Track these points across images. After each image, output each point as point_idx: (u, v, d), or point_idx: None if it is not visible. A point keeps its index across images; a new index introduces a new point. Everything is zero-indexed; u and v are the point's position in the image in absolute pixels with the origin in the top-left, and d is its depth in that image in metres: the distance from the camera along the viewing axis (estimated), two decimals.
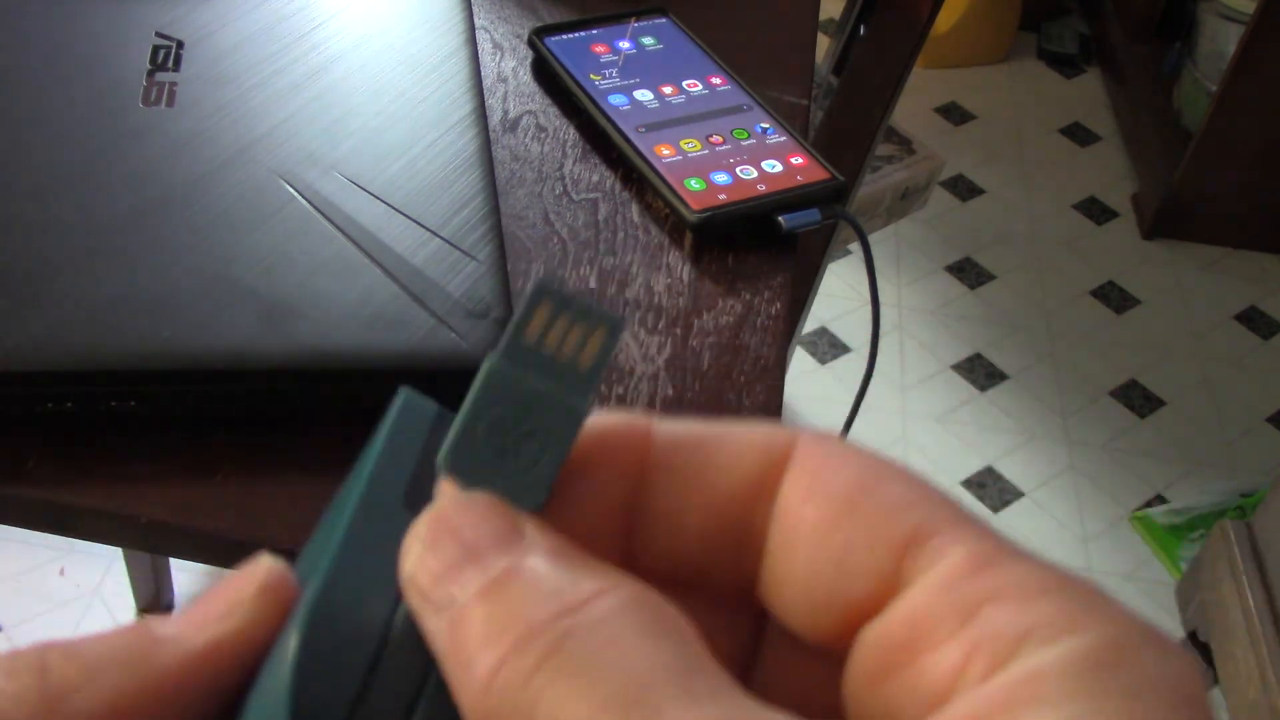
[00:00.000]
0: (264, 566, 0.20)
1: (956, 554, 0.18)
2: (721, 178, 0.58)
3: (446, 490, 0.19)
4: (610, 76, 0.64)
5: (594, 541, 0.19)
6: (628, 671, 0.16)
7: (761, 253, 0.57)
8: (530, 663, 0.16)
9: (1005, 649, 0.16)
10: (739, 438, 0.20)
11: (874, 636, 0.18)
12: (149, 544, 0.44)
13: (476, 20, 0.68)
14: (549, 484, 0.20)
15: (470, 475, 0.20)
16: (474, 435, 0.20)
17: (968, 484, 1.65)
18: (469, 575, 0.17)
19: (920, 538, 0.18)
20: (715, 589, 0.20)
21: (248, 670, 0.19)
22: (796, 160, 0.60)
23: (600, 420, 0.20)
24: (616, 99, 0.63)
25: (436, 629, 0.18)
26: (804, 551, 0.19)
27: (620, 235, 0.57)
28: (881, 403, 1.74)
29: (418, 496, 0.20)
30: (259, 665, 0.19)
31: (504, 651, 0.16)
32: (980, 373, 1.81)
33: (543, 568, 0.17)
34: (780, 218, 0.57)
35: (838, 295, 1.85)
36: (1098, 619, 0.16)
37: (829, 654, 0.19)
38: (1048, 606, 0.16)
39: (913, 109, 2.27)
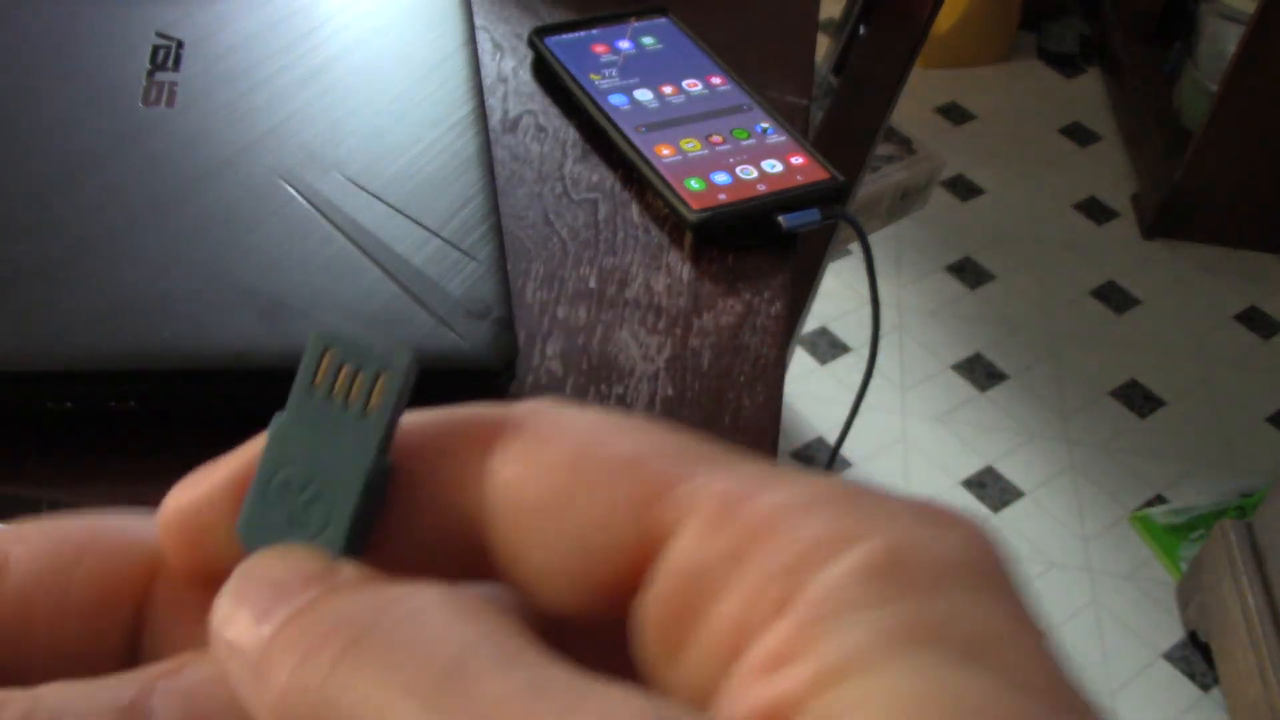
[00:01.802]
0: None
1: (708, 495, 0.16)
2: (721, 178, 0.58)
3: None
4: (610, 76, 0.64)
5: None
6: (438, 650, 0.14)
7: (761, 253, 0.57)
8: (328, 659, 0.15)
9: (788, 579, 0.15)
10: (454, 425, 0.19)
11: (646, 611, 0.16)
12: None
13: (476, 20, 0.68)
14: (342, 542, 0.18)
15: (267, 544, 0.19)
16: (265, 503, 0.19)
17: (968, 484, 1.65)
18: (278, 612, 0.16)
19: (660, 491, 0.16)
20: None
21: None
22: (796, 160, 0.60)
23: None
24: (616, 99, 0.63)
25: (241, 672, 0.16)
26: (538, 539, 0.17)
27: (620, 235, 0.57)
28: (881, 403, 1.74)
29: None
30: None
31: (300, 656, 0.15)
32: (980, 373, 1.81)
33: (352, 588, 0.16)
34: (780, 218, 0.57)
35: (838, 295, 1.85)
36: (871, 524, 0.15)
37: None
38: (818, 525, 0.15)
39: (913, 109, 2.27)
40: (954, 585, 0.15)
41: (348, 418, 0.19)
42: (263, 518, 0.19)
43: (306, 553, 0.17)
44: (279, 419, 0.19)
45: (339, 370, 0.19)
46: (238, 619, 0.16)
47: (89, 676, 0.18)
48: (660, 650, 0.16)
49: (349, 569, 0.17)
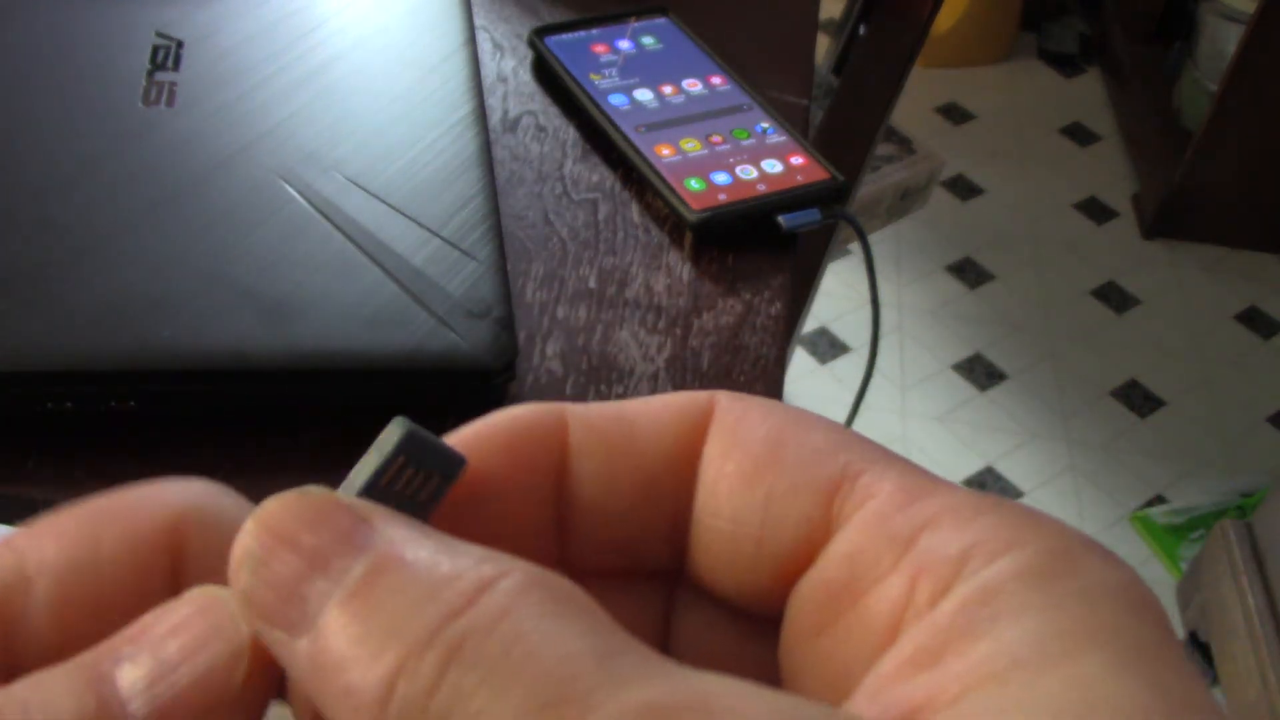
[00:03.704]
0: (244, 637, 0.17)
1: (886, 488, 0.17)
2: (721, 178, 0.58)
3: (269, 502, 0.17)
4: (610, 76, 0.64)
5: (523, 545, 0.18)
6: (546, 662, 0.14)
7: (761, 253, 0.57)
8: (431, 670, 0.14)
9: (949, 571, 0.15)
10: (656, 409, 0.19)
11: (810, 587, 0.17)
12: None
13: (476, 20, 0.68)
14: None
15: None
16: None
17: (968, 484, 1.65)
18: (320, 587, 0.15)
19: (846, 479, 0.17)
20: (643, 569, 0.20)
21: None
22: (796, 160, 0.60)
23: (509, 415, 0.19)
24: (616, 99, 0.63)
25: (293, 655, 0.15)
26: (729, 508, 0.18)
27: (620, 235, 0.57)
28: (881, 403, 1.74)
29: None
30: None
31: (394, 664, 0.14)
32: (980, 373, 1.81)
33: (410, 561, 0.15)
34: (780, 218, 0.57)
35: (838, 295, 1.85)
36: (1037, 533, 0.16)
37: (743, 621, 0.19)
38: (985, 526, 0.16)
39: (913, 109, 2.27)
40: (1114, 600, 0.15)
41: (404, 502, 0.19)
42: None
43: (327, 503, 0.17)
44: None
45: (405, 465, 0.19)
46: (266, 586, 0.16)
47: None
48: (806, 631, 0.17)
49: (385, 527, 0.16)
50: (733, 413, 0.19)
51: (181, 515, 0.19)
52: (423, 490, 0.20)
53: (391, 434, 0.19)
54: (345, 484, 0.19)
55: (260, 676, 0.17)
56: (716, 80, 0.65)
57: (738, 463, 0.18)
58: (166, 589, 0.19)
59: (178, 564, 0.19)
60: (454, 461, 0.20)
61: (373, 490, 0.19)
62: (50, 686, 0.17)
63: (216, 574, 0.18)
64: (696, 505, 0.19)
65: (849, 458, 0.17)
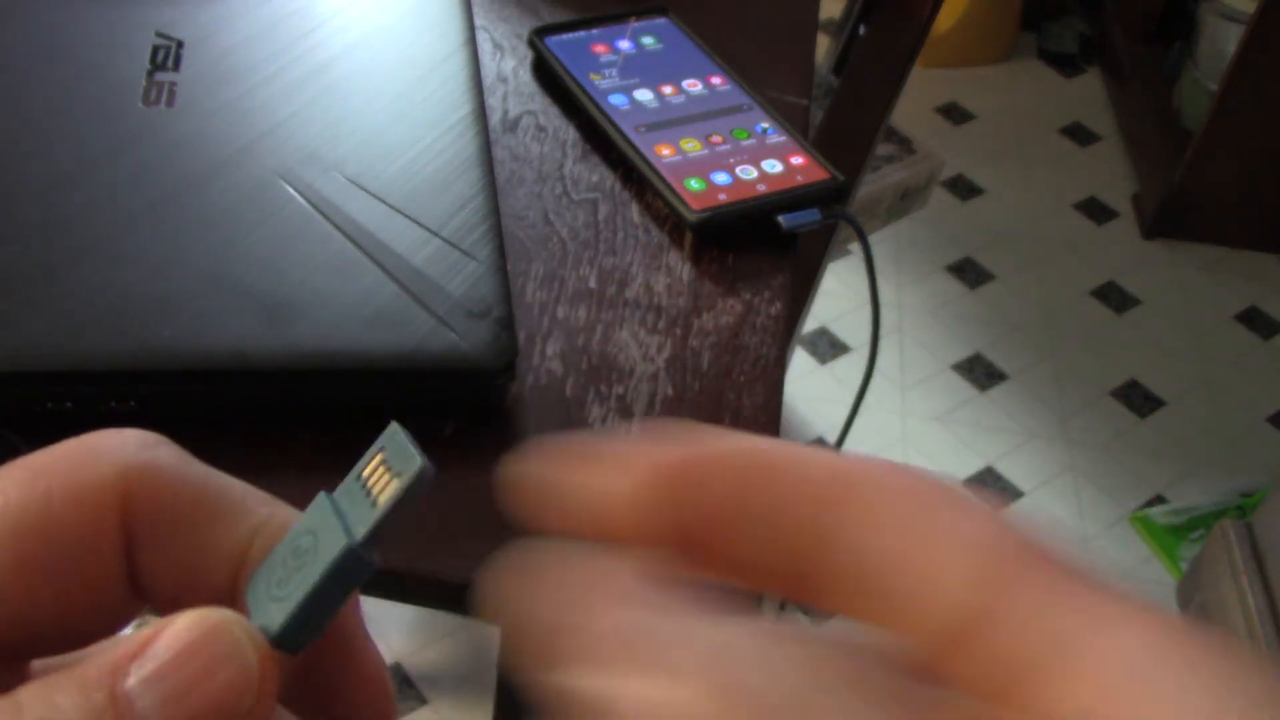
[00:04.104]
0: (253, 667, 0.18)
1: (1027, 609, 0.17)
2: (721, 178, 0.58)
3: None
4: (610, 76, 0.64)
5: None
6: None
7: (761, 253, 0.57)
8: None
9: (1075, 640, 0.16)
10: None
11: (970, 669, 0.17)
12: None
13: (476, 20, 0.68)
14: (287, 616, 0.19)
15: (255, 596, 0.20)
16: (274, 560, 0.20)
17: (968, 484, 1.65)
18: None
19: (1002, 581, 0.17)
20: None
21: None
22: (796, 160, 0.60)
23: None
24: (616, 99, 0.63)
25: None
26: (883, 585, 0.18)
27: (620, 235, 0.57)
28: (881, 403, 1.74)
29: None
30: None
31: None
32: (980, 373, 1.81)
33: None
34: (780, 218, 0.57)
35: (838, 295, 1.85)
36: (1144, 607, 0.16)
37: None
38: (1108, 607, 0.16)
39: (913, 109, 2.27)
40: (1243, 677, 0.15)
41: (365, 505, 0.20)
42: (265, 573, 0.20)
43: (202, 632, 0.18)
44: (330, 492, 0.20)
45: (381, 462, 0.20)
46: None
47: (93, 605, 0.18)
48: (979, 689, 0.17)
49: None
50: (866, 489, 0.19)
51: (126, 468, 0.20)
52: (385, 490, 0.20)
53: (414, 472, 0.20)
54: (356, 519, 0.20)
55: (267, 700, 0.18)
56: (716, 80, 0.65)
57: (885, 544, 0.18)
58: (117, 545, 0.19)
59: (126, 519, 0.19)
60: (410, 459, 0.20)
61: (350, 484, 0.20)
62: (61, 703, 0.17)
63: (164, 526, 0.19)
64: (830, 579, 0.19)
65: (1000, 555, 0.17)
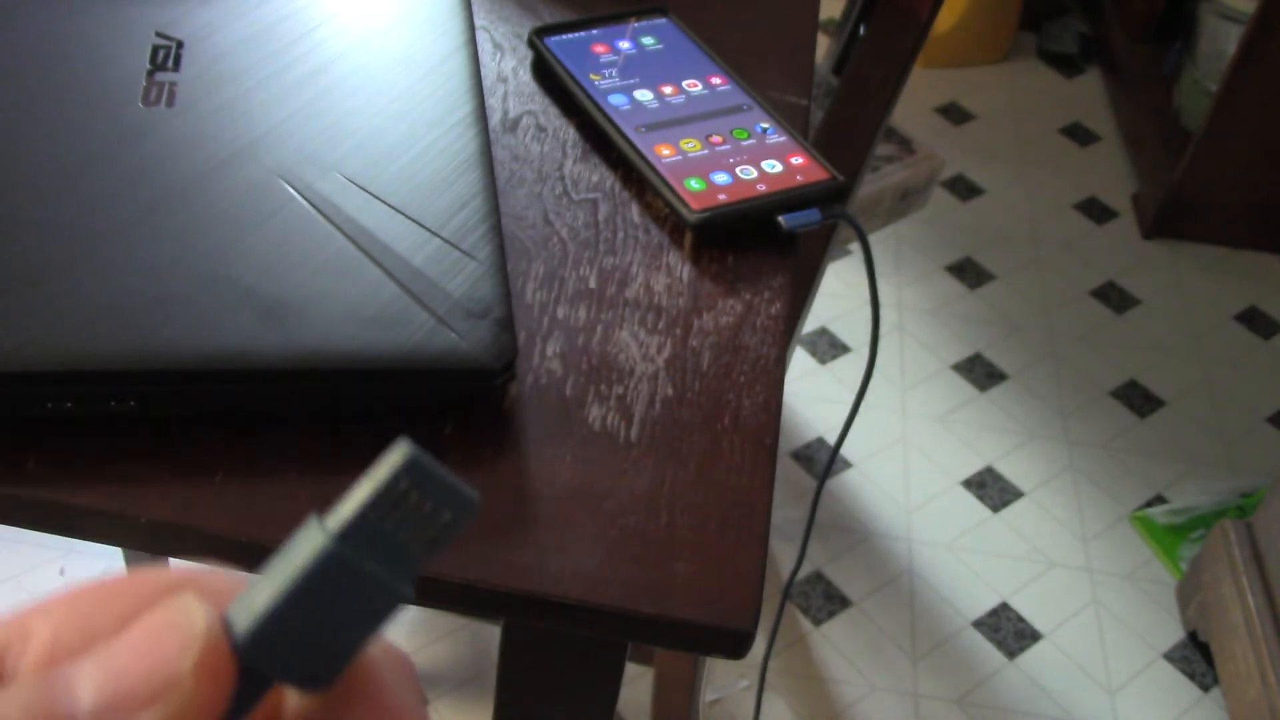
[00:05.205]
0: (199, 628, 0.18)
1: None
2: (721, 178, 0.58)
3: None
4: (610, 76, 0.64)
5: None
6: None
7: (761, 253, 0.57)
8: None
9: None
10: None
11: None
12: (149, 544, 0.44)
13: (476, 20, 0.68)
14: (345, 667, 0.18)
15: (268, 659, 0.18)
16: (285, 619, 0.18)
17: (968, 484, 1.65)
18: None
19: None
20: None
21: None
22: (796, 160, 0.60)
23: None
24: (616, 99, 0.62)
25: None
26: None
27: (620, 235, 0.57)
28: (881, 403, 1.74)
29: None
30: None
31: None
32: (980, 373, 1.81)
33: None
34: (780, 218, 0.57)
35: (838, 295, 1.85)
36: None
37: None
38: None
39: (913, 109, 2.27)
40: None
41: (399, 547, 0.18)
42: (280, 632, 0.18)
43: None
44: (327, 535, 0.19)
45: (407, 496, 0.18)
46: None
47: None
48: None
49: None
50: None
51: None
52: (426, 529, 0.18)
53: (393, 458, 0.18)
54: (335, 514, 0.18)
55: (215, 665, 0.17)
56: (716, 80, 0.64)
57: None
58: None
59: None
60: (464, 499, 0.18)
61: (363, 523, 0.18)
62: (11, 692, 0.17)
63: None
64: None
65: None
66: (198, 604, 0.18)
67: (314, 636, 0.18)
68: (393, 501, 0.18)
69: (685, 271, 0.56)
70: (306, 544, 0.18)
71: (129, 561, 1.37)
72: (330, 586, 0.18)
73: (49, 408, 0.43)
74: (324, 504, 0.42)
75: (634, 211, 0.58)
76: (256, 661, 0.18)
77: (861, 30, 0.99)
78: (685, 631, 0.43)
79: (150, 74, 0.53)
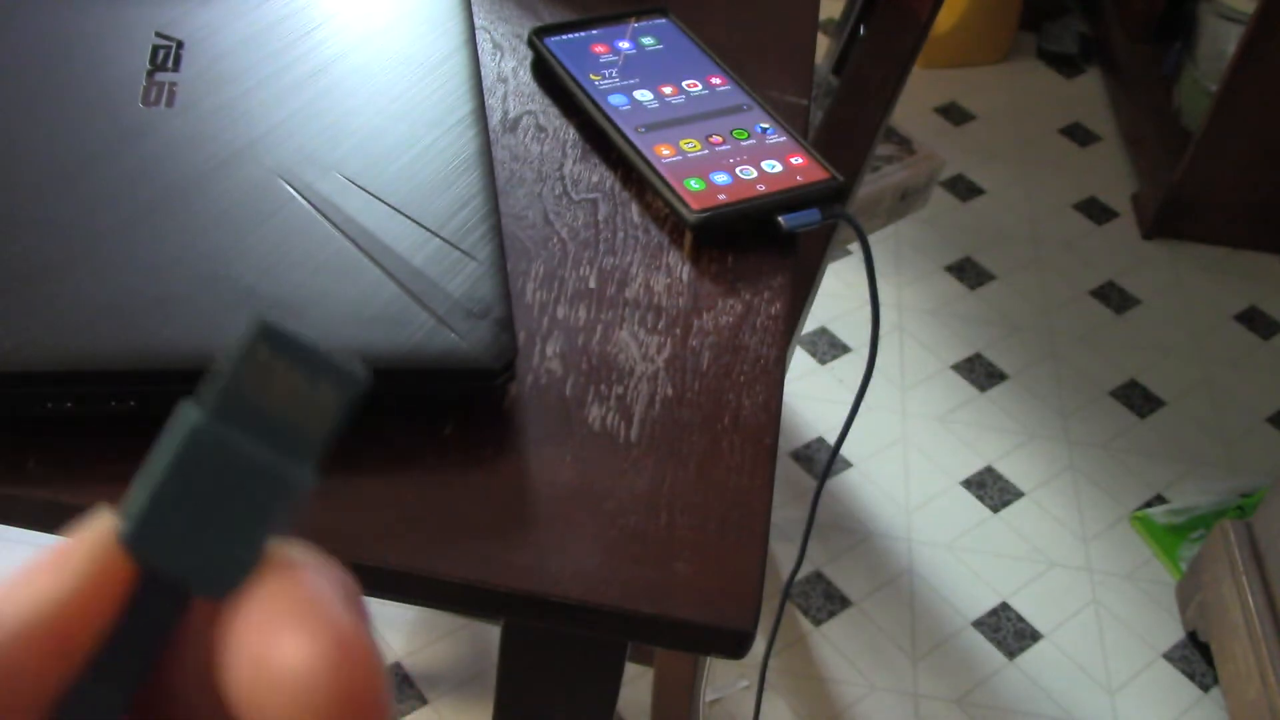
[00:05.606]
0: (95, 533, 0.18)
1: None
2: (721, 178, 0.58)
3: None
4: (610, 76, 0.64)
5: None
6: None
7: (761, 253, 0.57)
8: None
9: None
10: None
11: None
12: None
13: (476, 20, 0.68)
14: (249, 565, 0.17)
15: (157, 551, 0.17)
16: (166, 505, 0.17)
17: (968, 484, 1.65)
18: None
19: None
20: None
21: (81, 644, 0.17)
22: (796, 160, 0.60)
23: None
24: (616, 99, 0.62)
25: None
26: None
27: (620, 235, 0.57)
28: (881, 403, 1.74)
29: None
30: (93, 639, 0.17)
31: None
32: (980, 373, 1.81)
33: None
34: (780, 218, 0.57)
35: (838, 295, 1.85)
36: None
37: None
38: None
39: (913, 109, 2.27)
40: None
41: (282, 428, 0.18)
42: (160, 519, 0.18)
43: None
44: (194, 413, 0.18)
45: (275, 373, 0.18)
46: None
47: None
48: None
49: None
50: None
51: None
52: (310, 407, 0.17)
53: (249, 330, 0.17)
54: (203, 392, 0.17)
55: (98, 553, 0.18)
56: (716, 80, 0.64)
57: None
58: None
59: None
60: (342, 369, 0.17)
61: (233, 399, 0.17)
62: None
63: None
64: None
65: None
66: (106, 514, 0.18)
67: (204, 526, 0.17)
68: (259, 375, 0.17)
69: (685, 271, 0.56)
70: (178, 427, 0.17)
71: None
72: (206, 466, 0.17)
73: (49, 408, 0.43)
74: (323, 503, 0.42)
75: (634, 211, 0.58)
76: (146, 554, 0.17)
77: (861, 30, 0.99)
78: (685, 631, 0.43)
79: (150, 74, 0.53)
